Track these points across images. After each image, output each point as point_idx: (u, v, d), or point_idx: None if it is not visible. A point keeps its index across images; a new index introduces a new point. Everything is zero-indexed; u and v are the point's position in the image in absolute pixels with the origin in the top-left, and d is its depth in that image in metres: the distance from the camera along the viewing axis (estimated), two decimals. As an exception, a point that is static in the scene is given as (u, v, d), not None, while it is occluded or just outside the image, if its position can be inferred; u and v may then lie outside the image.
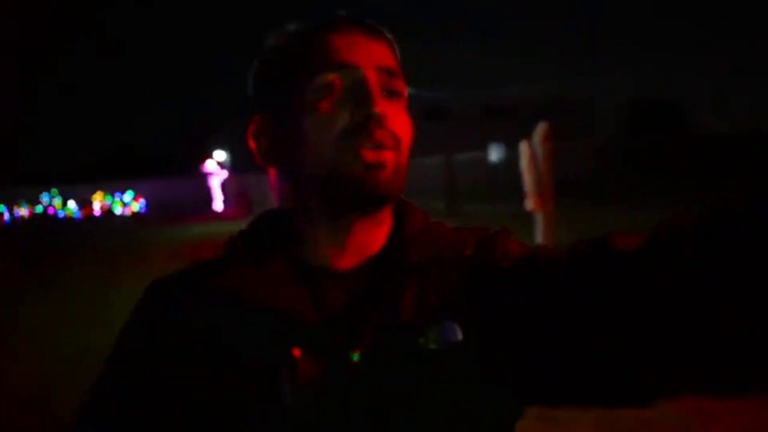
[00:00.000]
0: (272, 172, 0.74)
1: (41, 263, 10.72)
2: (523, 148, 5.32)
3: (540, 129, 5.27)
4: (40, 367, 4.64)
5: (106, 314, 5.35)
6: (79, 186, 26.47)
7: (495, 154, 24.36)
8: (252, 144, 0.74)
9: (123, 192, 26.51)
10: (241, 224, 0.79)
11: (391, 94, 0.69)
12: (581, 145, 18.18)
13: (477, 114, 30.65)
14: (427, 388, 0.64)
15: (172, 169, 33.68)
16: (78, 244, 14.33)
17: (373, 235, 0.72)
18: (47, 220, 24.70)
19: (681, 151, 16.85)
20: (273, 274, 0.69)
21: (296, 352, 0.64)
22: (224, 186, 24.74)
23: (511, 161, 8.58)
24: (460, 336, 0.65)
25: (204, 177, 26.26)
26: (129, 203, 26.33)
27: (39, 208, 25.84)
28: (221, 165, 27.19)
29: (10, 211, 24.60)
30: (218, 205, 24.14)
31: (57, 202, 26.22)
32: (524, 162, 5.29)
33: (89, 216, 25.21)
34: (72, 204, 26.05)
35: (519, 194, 5.57)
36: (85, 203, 25.94)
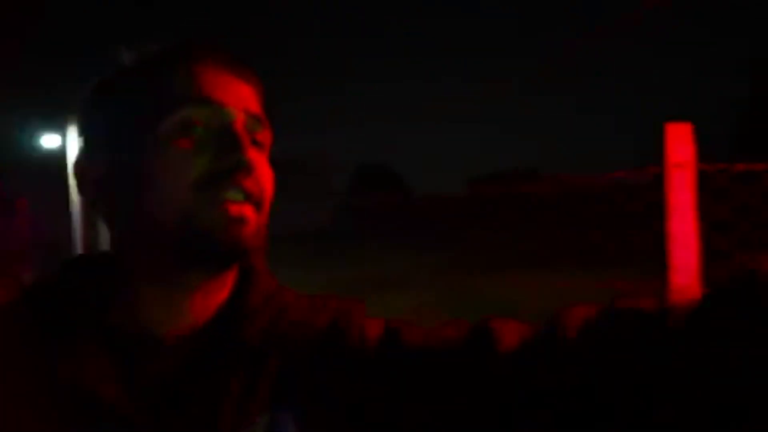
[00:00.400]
0: (101, 212, 0.62)
1: None
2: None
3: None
4: None
5: None
6: None
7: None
8: (78, 173, 0.62)
9: None
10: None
11: (256, 143, 0.60)
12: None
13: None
14: None
15: None
16: None
17: (211, 301, 0.60)
18: None
19: (396, 210, 19.20)
20: (79, 346, 0.56)
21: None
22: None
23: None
24: (293, 430, 0.56)
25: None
26: None
27: None
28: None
29: None
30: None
31: None
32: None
33: None
34: None
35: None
36: None
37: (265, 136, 0.61)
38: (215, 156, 0.57)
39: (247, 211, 0.57)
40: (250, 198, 0.57)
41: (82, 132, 0.63)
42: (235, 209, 0.56)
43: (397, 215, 17.79)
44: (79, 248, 3.56)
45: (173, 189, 0.56)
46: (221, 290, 0.61)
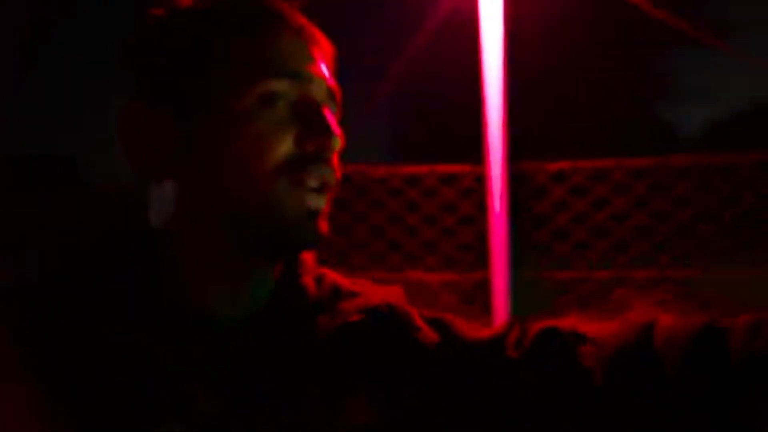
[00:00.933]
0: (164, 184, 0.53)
1: None
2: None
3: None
4: None
5: None
6: None
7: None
8: (130, 139, 0.53)
9: None
10: None
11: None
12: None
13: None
14: None
15: None
16: None
17: (267, 284, 0.56)
18: None
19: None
20: (143, 331, 0.51)
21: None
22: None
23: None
24: (364, 417, 0.52)
25: None
26: None
27: None
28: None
29: None
30: None
31: None
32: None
33: None
34: None
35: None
36: None
37: (338, 113, 0.55)
38: (300, 137, 0.51)
39: (325, 201, 0.53)
40: (329, 187, 0.53)
41: (137, 96, 0.54)
42: (316, 201, 0.52)
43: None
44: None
45: (255, 172, 0.51)
46: (274, 272, 0.56)
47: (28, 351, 0.49)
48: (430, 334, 0.56)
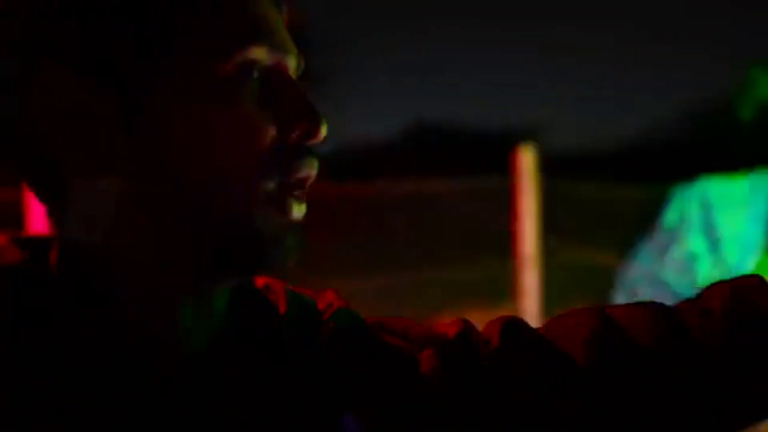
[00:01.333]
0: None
1: None
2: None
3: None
4: None
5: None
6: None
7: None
8: (49, 121, 0.37)
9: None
10: None
11: None
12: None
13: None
14: None
15: None
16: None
17: (224, 299, 0.42)
18: None
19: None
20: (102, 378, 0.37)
21: None
22: None
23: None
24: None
25: None
26: None
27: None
28: None
29: None
30: None
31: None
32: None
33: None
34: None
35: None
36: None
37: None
38: (284, 121, 0.39)
39: (303, 210, 0.41)
40: (307, 186, 0.41)
41: (65, 30, 0.37)
42: (299, 208, 0.40)
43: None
44: None
45: (238, 168, 0.38)
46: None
47: None
48: (396, 341, 0.48)
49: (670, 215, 1.66)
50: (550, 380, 0.46)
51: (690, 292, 0.72)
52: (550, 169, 4.18)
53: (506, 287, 4.17)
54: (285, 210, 0.39)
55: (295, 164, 0.39)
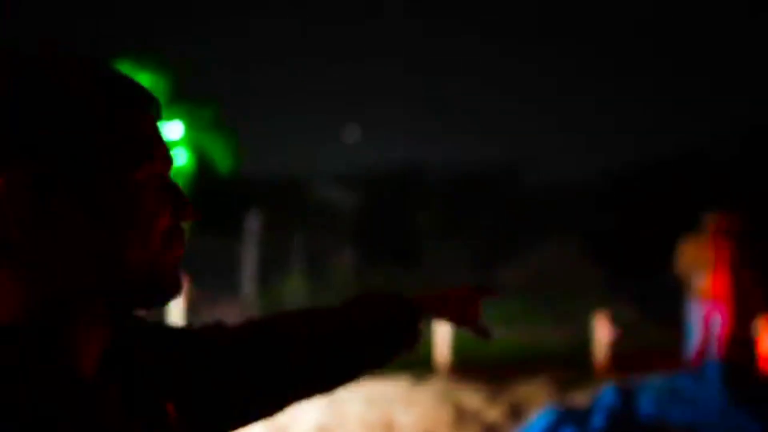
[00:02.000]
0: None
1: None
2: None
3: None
4: None
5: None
6: None
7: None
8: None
9: None
10: None
11: None
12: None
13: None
14: None
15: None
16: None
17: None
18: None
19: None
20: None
21: None
22: None
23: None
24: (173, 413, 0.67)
25: None
26: None
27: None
28: None
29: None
30: None
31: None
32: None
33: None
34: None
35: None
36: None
37: None
38: (174, 210, 0.58)
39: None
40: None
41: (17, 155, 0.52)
42: (181, 260, 0.60)
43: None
44: None
45: (147, 235, 0.56)
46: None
47: None
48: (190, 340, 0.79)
49: None
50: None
51: None
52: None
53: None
54: (177, 263, 0.60)
55: (178, 234, 0.59)
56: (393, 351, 0.97)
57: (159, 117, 0.59)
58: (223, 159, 6.65)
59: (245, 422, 0.81)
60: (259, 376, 0.82)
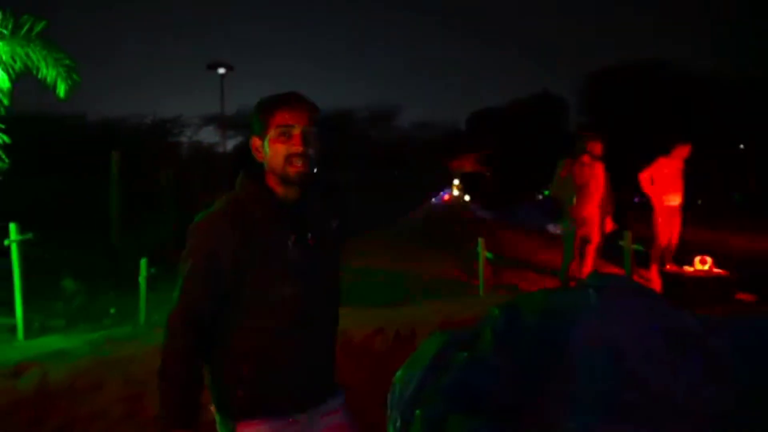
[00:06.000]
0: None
1: None
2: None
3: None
4: None
5: None
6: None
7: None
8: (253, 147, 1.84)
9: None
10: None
11: (307, 140, 1.79)
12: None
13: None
14: (334, 246, 1.91)
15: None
16: None
17: (296, 188, 1.82)
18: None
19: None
20: (278, 204, 1.80)
21: (293, 237, 1.77)
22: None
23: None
24: (335, 226, 1.91)
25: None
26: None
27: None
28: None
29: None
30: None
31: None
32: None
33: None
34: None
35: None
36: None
37: (311, 137, 1.80)
38: (289, 146, 1.77)
39: (303, 166, 1.77)
40: (302, 158, 1.77)
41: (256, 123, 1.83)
42: (297, 164, 1.77)
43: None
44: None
45: (279, 156, 1.77)
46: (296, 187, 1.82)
47: (235, 222, 1.72)
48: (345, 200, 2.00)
49: None
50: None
51: None
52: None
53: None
54: (293, 167, 1.78)
55: (293, 156, 1.78)
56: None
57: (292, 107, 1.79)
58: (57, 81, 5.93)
59: (365, 230, 2.83)
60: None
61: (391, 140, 37.21)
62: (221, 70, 22.81)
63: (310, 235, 1.79)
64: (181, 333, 1.66)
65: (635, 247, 6.76)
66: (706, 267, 6.53)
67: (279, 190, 1.78)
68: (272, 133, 1.73)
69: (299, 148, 1.72)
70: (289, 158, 1.73)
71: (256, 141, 1.79)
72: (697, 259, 6.57)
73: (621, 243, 6.77)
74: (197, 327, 1.68)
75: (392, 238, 12.82)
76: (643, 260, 7.54)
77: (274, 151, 1.74)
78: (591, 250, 6.57)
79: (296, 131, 1.73)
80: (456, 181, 45.07)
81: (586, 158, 6.48)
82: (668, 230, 7.49)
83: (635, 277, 6.23)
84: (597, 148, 6.49)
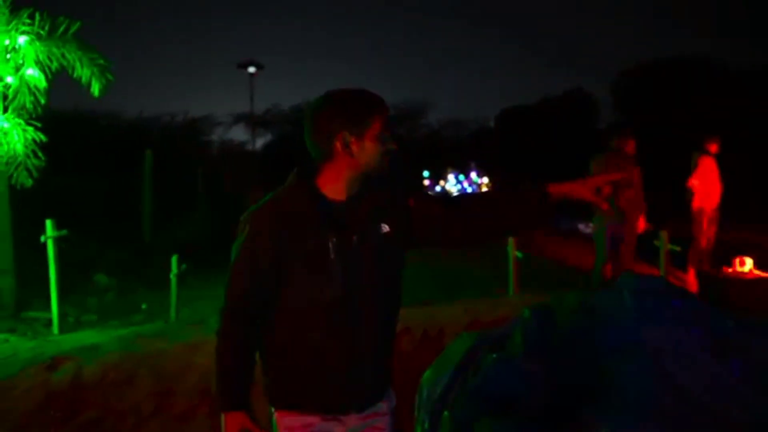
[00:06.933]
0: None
1: None
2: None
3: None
4: None
5: None
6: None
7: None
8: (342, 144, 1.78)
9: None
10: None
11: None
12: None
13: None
14: (384, 249, 1.83)
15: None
16: None
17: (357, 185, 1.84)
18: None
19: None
20: (326, 204, 1.80)
21: (335, 238, 1.77)
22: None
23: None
24: (388, 230, 1.85)
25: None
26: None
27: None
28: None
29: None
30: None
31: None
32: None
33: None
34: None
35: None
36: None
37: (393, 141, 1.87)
38: (387, 145, 1.82)
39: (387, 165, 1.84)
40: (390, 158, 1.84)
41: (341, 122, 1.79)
42: (387, 161, 1.84)
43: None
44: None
45: (377, 154, 1.81)
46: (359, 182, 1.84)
47: (283, 219, 1.76)
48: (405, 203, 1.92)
49: None
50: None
51: None
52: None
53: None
54: (384, 165, 1.83)
55: (388, 153, 1.84)
56: (527, 223, 1.96)
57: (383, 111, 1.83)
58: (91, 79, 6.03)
59: (424, 246, 1.95)
60: (433, 228, 1.91)
61: (420, 139, 37.04)
62: (251, 69, 23.00)
63: (355, 237, 1.78)
64: (230, 325, 1.78)
65: (671, 247, 6.59)
66: (746, 269, 6.35)
67: (332, 189, 1.81)
68: (373, 131, 1.77)
69: (395, 146, 1.84)
70: (383, 156, 1.81)
71: (344, 137, 1.76)
72: (737, 260, 6.40)
73: (656, 243, 6.62)
74: (245, 319, 1.78)
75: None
76: (679, 261, 7.38)
77: (373, 148, 1.78)
78: (625, 251, 6.44)
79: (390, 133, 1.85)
80: (485, 179, 44.85)
81: (616, 155, 6.34)
82: (709, 231, 7.33)
83: (671, 279, 6.08)
84: (629, 145, 6.33)
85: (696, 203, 7.39)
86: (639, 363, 2.30)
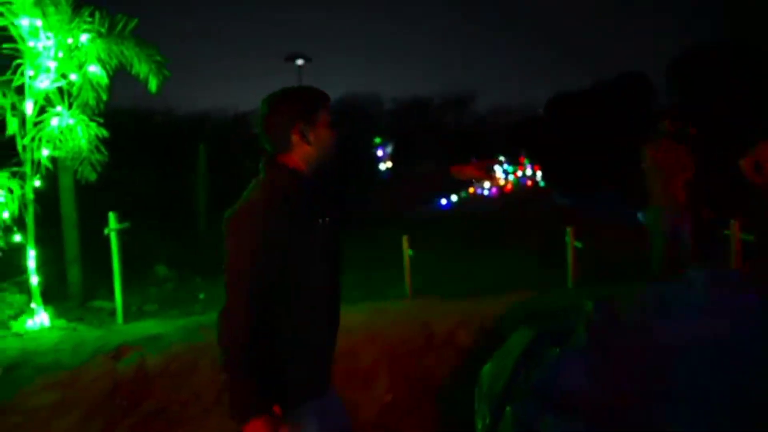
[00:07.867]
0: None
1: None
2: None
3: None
4: None
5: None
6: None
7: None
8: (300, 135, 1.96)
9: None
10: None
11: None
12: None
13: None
14: (335, 231, 2.00)
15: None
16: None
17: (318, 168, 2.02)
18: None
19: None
20: (313, 192, 1.96)
21: (322, 217, 1.95)
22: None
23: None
24: (335, 215, 2.02)
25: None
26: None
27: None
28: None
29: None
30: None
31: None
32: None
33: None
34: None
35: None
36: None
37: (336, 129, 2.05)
38: (335, 132, 2.02)
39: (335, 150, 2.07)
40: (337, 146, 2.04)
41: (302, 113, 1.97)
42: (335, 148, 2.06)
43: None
44: None
45: (330, 141, 2.00)
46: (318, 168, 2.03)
47: (280, 208, 1.84)
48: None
49: None
50: None
51: None
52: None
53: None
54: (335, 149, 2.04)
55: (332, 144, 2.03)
56: None
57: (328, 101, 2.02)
58: (149, 75, 6.18)
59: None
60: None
61: (468, 126, 36.65)
62: (299, 62, 23.22)
63: (327, 217, 1.94)
64: (245, 329, 1.79)
65: (743, 236, 6.25)
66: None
67: (304, 173, 1.94)
68: (323, 121, 1.94)
69: (336, 135, 1.98)
70: (334, 141, 1.96)
71: (301, 127, 1.91)
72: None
73: (726, 232, 6.34)
74: (256, 314, 1.80)
75: (466, 226, 12.66)
76: (750, 252, 7.05)
77: (326, 136, 1.95)
78: (686, 241, 6.21)
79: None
80: (497, 167, 43.89)
81: (666, 141, 6.07)
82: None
83: (744, 270, 5.81)
84: (682, 128, 6.07)
85: (763, 188, 7.04)
86: (707, 359, 2.22)
